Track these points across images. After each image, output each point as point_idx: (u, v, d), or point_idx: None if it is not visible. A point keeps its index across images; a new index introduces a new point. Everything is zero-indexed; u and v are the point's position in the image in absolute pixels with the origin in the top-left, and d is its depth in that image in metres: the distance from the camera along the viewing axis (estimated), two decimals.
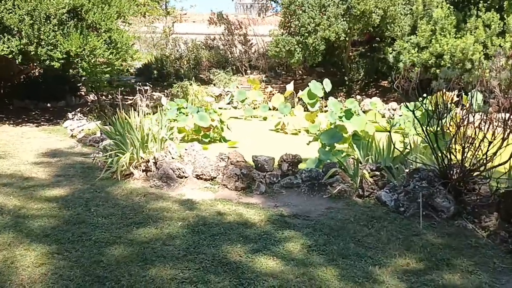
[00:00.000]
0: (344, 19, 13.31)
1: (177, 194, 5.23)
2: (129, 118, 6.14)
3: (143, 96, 7.24)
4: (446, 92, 4.64)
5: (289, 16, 14.46)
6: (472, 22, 12.35)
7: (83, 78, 11.15)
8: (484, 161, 4.34)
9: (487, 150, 4.30)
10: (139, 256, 3.57)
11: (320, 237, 4.01)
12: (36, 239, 3.86)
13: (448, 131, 4.63)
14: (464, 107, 4.68)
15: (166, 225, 4.24)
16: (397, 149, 5.29)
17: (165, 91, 14.32)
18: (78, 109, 10.87)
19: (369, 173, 5.18)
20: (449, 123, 4.59)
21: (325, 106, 11.60)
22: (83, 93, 13.56)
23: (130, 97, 12.73)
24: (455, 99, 5.24)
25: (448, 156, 4.54)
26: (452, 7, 12.76)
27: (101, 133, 7.72)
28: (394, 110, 11.92)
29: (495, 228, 4.05)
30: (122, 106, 7.26)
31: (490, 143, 4.27)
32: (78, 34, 9.03)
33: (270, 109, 12.34)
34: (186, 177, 5.59)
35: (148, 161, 5.82)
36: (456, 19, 12.61)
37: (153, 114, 8.04)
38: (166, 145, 6.24)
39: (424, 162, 5.08)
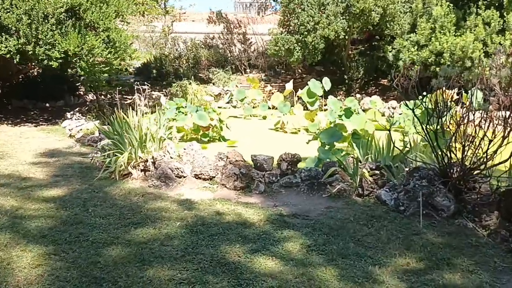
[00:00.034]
0: (344, 17, 13.27)
1: (176, 194, 5.20)
2: (127, 117, 6.10)
3: (141, 96, 7.21)
4: (446, 90, 4.61)
5: (288, 15, 14.42)
6: (472, 20, 12.31)
7: (82, 77, 11.12)
8: (485, 160, 4.31)
9: (488, 149, 4.27)
10: (136, 257, 3.54)
11: (319, 237, 3.98)
12: (33, 240, 3.83)
13: (448, 129, 4.60)
14: (464, 105, 4.65)
15: (164, 225, 4.21)
16: (397, 147, 5.26)
17: (164, 90, 14.29)
18: (77, 109, 10.84)
19: (368, 172, 5.15)
20: (449, 121, 4.56)
21: (325, 105, 11.57)
22: (82, 92, 13.52)
23: (130, 97, 12.71)
24: (455, 97, 5.21)
25: (448, 155, 4.51)
26: (451, 5, 12.72)
27: (99, 133, 7.69)
28: (394, 108, 11.88)
29: (495, 227, 4.02)
30: (120, 105, 7.23)
31: (490, 141, 4.24)
32: (76, 34, 8.99)
33: (269, 108, 12.31)
34: (184, 177, 5.56)
35: (147, 160, 5.79)
36: (456, 17, 12.57)
37: (152, 113, 8.01)
38: (165, 145, 6.21)
39: (424, 160, 5.05)
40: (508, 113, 4.17)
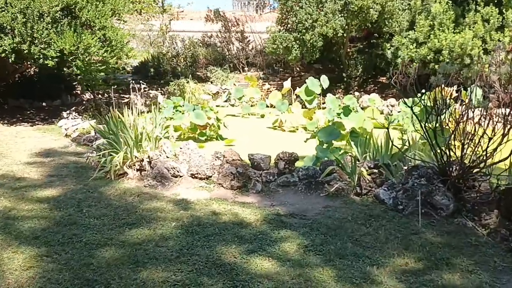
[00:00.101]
0: (342, 15, 13.19)
1: (172, 193, 5.14)
2: (123, 116, 6.03)
3: (137, 94, 7.15)
4: (445, 88, 4.55)
5: (286, 13, 14.34)
6: (471, 17, 12.25)
7: (79, 76, 11.04)
8: (484, 158, 4.25)
9: (487, 147, 4.21)
10: (130, 258, 3.48)
11: (317, 237, 3.93)
12: (25, 241, 3.77)
13: (447, 127, 4.54)
14: (463, 103, 4.59)
15: (160, 226, 4.15)
16: (395, 146, 5.20)
17: (162, 89, 14.21)
18: (73, 108, 10.76)
19: (367, 170, 5.09)
20: (448, 119, 4.50)
21: (323, 103, 11.50)
22: (78, 91, 13.43)
23: (127, 96, 12.62)
24: (454, 94, 5.15)
25: (447, 153, 4.45)
26: (450, 1, 12.65)
27: (95, 132, 7.62)
28: (393, 106, 11.82)
29: (495, 226, 3.97)
30: (116, 104, 7.16)
31: (490, 139, 4.18)
32: (72, 32, 8.91)
33: (267, 106, 12.24)
34: (181, 176, 5.49)
35: (142, 160, 5.73)
36: (455, 14, 12.50)
37: (150, 112, 7.93)
38: (161, 144, 6.15)
39: (423, 159, 4.99)
40: (508, 110, 4.11)
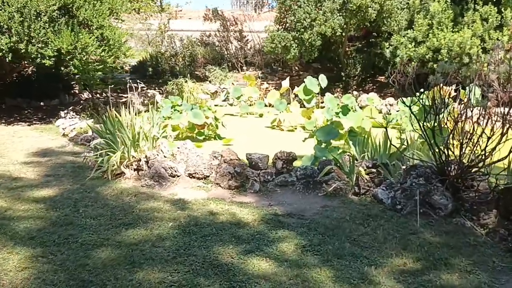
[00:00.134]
0: (340, 14, 13.16)
1: (169, 193, 5.11)
2: (120, 116, 6.00)
3: (134, 94, 7.12)
4: (444, 87, 4.52)
5: (285, 12, 14.31)
6: (470, 16, 12.23)
7: (77, 76, 11.00)
8: (483, 157, 4.23)
9: (486, 146, 4.18)
10: (126, 259, 3.45)
11: (314, 237, 3.90)
12: (20, 242, 3.74)
13: (445, 126, 4.52)
14: (462, 102, 4.57)
15: (156, 226, 4.12)
16: (393, 145, 5.18)
17: (160, 88, 14.18)
18: (71, 108, 10.72)
19: (365, 170, 5.07)
20: (447, 118, 4.47)
21: (322, 102, 11.48)
22: (77, 91, 13.39)
23: (125, 95, 12.58)
24: (453, 93, 5.12)
25: (446, 152, 4.43)
26: (449, 0, 12.63)
27: (92, 132, 7.58)
28: (391, 105, 11.79)
29: (494, 225, 3.95)
30: (114, 104, 7.13)
31: (488, 138, 4.15)
32: (69, 32, 8.88)
33: (266, 105, 12.21)
34: (178, 176, 5.46)
35: (140, 160, 5.70)
36: (453, 13, 12.48)
37: (148, 112, 7.90)
38: (158, 144, 6.11)
39: (421, 158, 4.96)
40: (507, 109, 4.08)
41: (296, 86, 11.84)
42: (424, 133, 4.57)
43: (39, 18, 8.77)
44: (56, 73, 11.86)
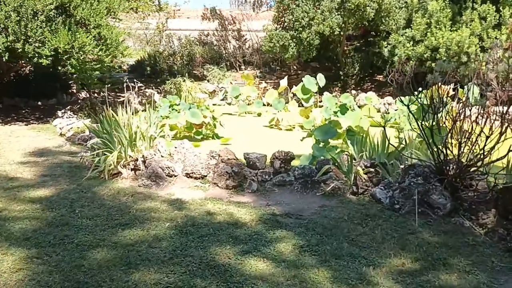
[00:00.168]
0: (339, 13, 13.14)
1: (166, 193, 5.08)
2: (117, 115, 5.96)
3: (133, 93, 7.09)
4: (442, 86, 4.50)
5: (283, 11, 14.28)
6: (468, 15, 12.21)
7: (74, 75, 10.96)
8: (481, 156, 4.20)
9: (485, 145, 4.16)
10: (122, 260, 3.42)
11: (312, 237, 3.88)
12: (15, 242, 3.70)
13: (444, 125, 4.49)
14: (461, 101, 4.55)
15: (153, 226, 4.09)
16: (391, 144, 5.15)
17: (159, 87, 14.14)
18: (68, 107, 10.66)
19: (363, 169, 5.04)
20: (445, 117, 4.45)
21: (320, 101, 11.45)
22: (74, 90, 13.34)
23: (123, 95, 12.53)
24: (451, 92, 5.10)
25: (444, 152, 4.41)
26: None
27: (89, 132, 7.55)
28: (390, 104, 11.77)
29: (493, 225, 3.93)
30: (110, 103, 7.09)
31: (487, 137, 4.13)
32: (67, 31, 8.83)
33: (264, 105, 12.17)
34: (175, 176, 5.43)
35: (137, 159, 5.66)
36: (452, 11, 12.46)
37: (145, 111, 7.86)
38: (156, 143, 6.08)
39: (420, 157, 4.94)
40: (505, 108, 4.06)
41: (294, 85, 11.80)
42: (423, 132, 4.54)
43: (36, 17, 8.72)
44: (53, 73, 11.80)
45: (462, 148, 4.31)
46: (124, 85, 7.58)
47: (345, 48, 15.38)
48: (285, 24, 14.18)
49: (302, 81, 10.95)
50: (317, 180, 5.07)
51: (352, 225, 4.10)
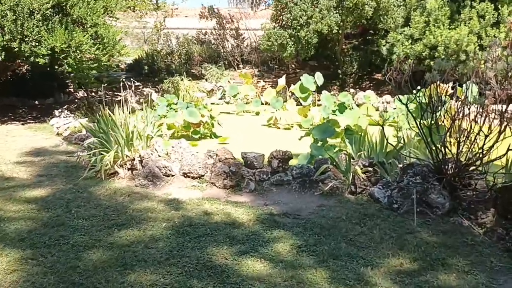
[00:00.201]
0: (337, 11, 13.11)
1: (163, 193, 5.04)
2: (113, 115, 5.92)
3: (130, 92, 7.06)
4: (441, 84, 4.47)
5: (281, 9, 14.25)
6: (466, 13, 12.19)
7: (71, 74, 10.91)
8: (480, 155, 4.18)
9: (483, 144, 4.13)
10: (118, 261, 3.38)
11: (310, 237, 3.85)
12: (10, 243, 3.66)
13: (442, 124, 4.46)
14: (459, 100, 4.52)
15: (150, 227, 4.05)
16: (390, 143, 5.12)
17: (156, 86, 14.09)
18: (65, 106, 10.62)
19: (361, 169, 5.01)
20: (444, 116, 4.42)
21: (319, 100, 11.42)
22: (72, 89, 13.29)
23: (121, 94, 12.48)
24: (450, 91, 5.07)
25: (443, 151, 4.38)
26: None
27: (86, 131, 7.51)
28: (388, 103, 11.75)
29: (492, 224, 3.90)
30: (107, 102, 7.06)
31: (486, 136, 4.10)
32: (63, 30, 8.79)
33: (262, 103, 12.14)
34: (173, 176, 5.39)
35: (134, 159, 5.62)
36: (450, 10, 12.44)
37: (143, 110, 7.82)
38: (153, 143, 6.04)
39: (418, 157, 4.91)
40: (504, 107, 4.03)
41: (292, 84, 11.77)
42: (421, 131, 4.52)
43: (32, 16, 8.68)
44: (51, 72, 11.76)
45: (460, 147, 4.28)
46: (121, 85, 7.54)
47: (344, 46, 15.35)
48: (283, 22, 14.15)
49: (300, 79, 10.92)
50: (315, 179, 5.04)
51: (350, 225, 4.07)
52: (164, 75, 14.93)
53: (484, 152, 4.15)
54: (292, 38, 13.41)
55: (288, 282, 3.14)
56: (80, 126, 8.20)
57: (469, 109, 4.34)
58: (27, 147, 7.40)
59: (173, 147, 5.88)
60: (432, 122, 4.42)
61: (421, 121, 4.51)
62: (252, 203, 4.70)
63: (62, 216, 4.28)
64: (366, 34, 15.32)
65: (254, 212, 4.43)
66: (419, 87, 4.68)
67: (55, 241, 3.72)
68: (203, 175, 5.45)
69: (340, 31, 13.71)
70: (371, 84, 14.94)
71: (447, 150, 4.38)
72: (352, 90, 13.65)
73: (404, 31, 13.04)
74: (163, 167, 5.39)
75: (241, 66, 17.05)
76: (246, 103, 12.47)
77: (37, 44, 8.67)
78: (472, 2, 12.29)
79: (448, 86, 4.76)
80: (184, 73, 14.59)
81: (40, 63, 8.75)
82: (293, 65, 16.29)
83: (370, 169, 5.04)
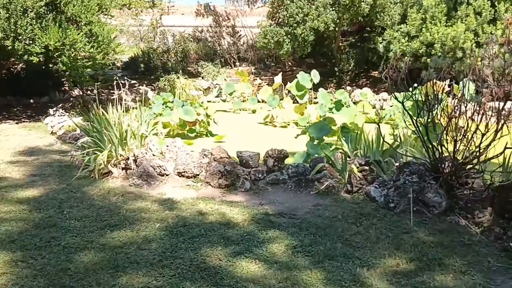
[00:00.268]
0: (333, 8, 13.05)
1: (157, 193, 4.98)
2: (107, 113, 5.86)
3: (124, 90, 6.99)
4: (437, 82, 4.42)
5: (277, 7, 14.19)
6: (463, 10, 12.15)
7: (66, 72, 10.83)
8: (477, 154, 4.13)
9: (480, 142, 4.09)
10: (110, 263, 3.32)
11: (306, 237, 3.80)
12: (0, 245, 3.60)
13: (439, 122, 4.42)
14: (456, 97, 4.47)
15: (143, 227, 3.99)
16: (386, 142, 5.07)
17: (152, 84, 14.02)
18: (60, 105, 10.55)
19: (357, 167, 4.96)
20: (440, 114, 4.37)
21: (315, 98, 11.38)
22: (67, 88, 13.20)
23: (117, 92, 12.40)
24: (446, 89, 5.02)
25: (440, 149, 4.33)
26: None
27: (80, 130, 7.43)
28: (385, 100, 11.72)
29: (489, 224, 3.86)
30: (102, 101, 6.98)
31: (483, 134, 4.06)
32: (57, 28, 8.71)
33: (259, 101, 12.10)
34: (167, 175, 5.34)
35: (128, 158, 5.56)
36: (447, 7, 12.39)
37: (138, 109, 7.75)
38: (147, 142, 5.98)
39: (415, 155, 4.87)
40: (501, 104, 3.99)
41: (289, 82, 11.72)
42: (418, 129, 4.47)
43: (25, 14, 8.60)
44: (45, 70, 11.67)
45: (457, 146, 4.24)
46: (115, 83, 7.47)
47: (340, 44, 15.30)
48: (280, 20, 14.09)
49: (296, 77, 10.87)
50: (311, 178, 4.99)
51: (346, 225, 4.03)
52: (160, 73, 14.87)
53: (481, 151, 4.10)
54: (289, 36, 13.35)
55: (283, 283, 3.09)
56: (74, 125, 8.12)
57: (465, 107, 4.29)
58: (21, 146, 7.34)
59: (167, 146, 5.82)
60: (429, 120, 4.37)
61: (418, 119, 4.46)
62: (247, 203, 4.65)
63: (54, 217, 4.22)
64: (362, 32, 15.28)
65: (249, 211, 4.38)
66: (415, 85, 4.63)
67: (46, 242, 3.66)
68: (198, 175, 5.40)
69: (336, 29, 13.66)
70: (368, 82, 14.90)
71: (443, 148, 4.33)
72: (348, 88, 13.62)
73: (400, 28, 12.99)
74: (158, 166, 5.34)
75: (237, 63, 16.99)
76: (243, 101, 12.42)
77: (30, 42, 8.60)
78: None
79: (445, 84, 4.71)
80: (180, 71, 14.52)
81: (34, 62, 8.68)
82: (289, 63, 16.23)
83: (366, 167, 4.99)
